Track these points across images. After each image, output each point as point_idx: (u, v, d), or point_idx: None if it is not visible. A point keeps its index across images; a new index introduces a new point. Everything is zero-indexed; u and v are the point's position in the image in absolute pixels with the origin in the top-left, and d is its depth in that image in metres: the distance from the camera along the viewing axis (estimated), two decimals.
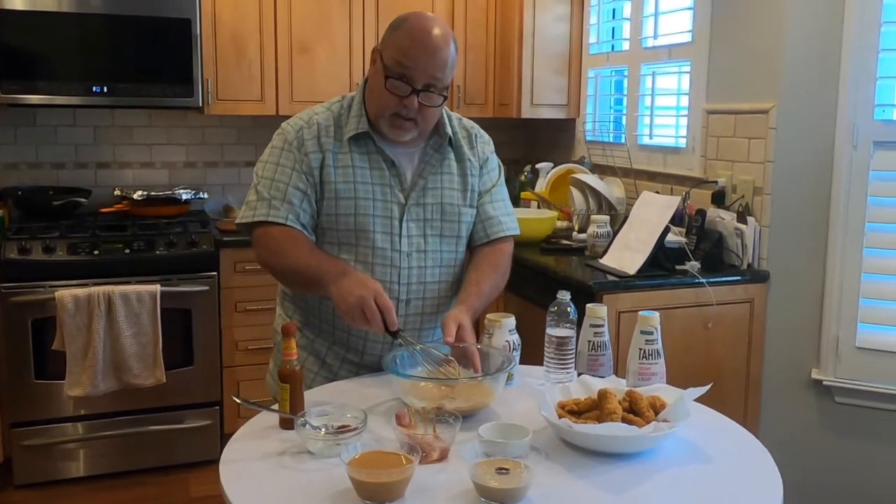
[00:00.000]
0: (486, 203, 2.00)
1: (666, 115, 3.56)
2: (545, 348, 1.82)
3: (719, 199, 3.08)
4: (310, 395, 1.75)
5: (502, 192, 2.06)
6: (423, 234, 1.91)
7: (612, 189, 3.58)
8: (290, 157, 1.87)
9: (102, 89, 3.54)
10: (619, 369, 1.88)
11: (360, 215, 1.86)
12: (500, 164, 2.08)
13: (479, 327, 1.85)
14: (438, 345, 1.79)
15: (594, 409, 1.56)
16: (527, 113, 4.03)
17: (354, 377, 1.91)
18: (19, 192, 3.79)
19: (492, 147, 2.06)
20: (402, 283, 1.89)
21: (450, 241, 1.95)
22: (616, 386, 1.64)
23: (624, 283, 2.79)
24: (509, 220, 2.04)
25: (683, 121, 3.38)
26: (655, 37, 3.53)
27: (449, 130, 1.94)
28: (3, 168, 3.89)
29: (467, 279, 1.94)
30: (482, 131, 2.05)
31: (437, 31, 1.79)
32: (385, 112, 1.82)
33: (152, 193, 3.87)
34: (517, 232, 2.06)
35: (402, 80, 1.77)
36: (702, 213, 3.02)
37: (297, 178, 1.85)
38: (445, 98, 1.84)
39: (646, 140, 3.63)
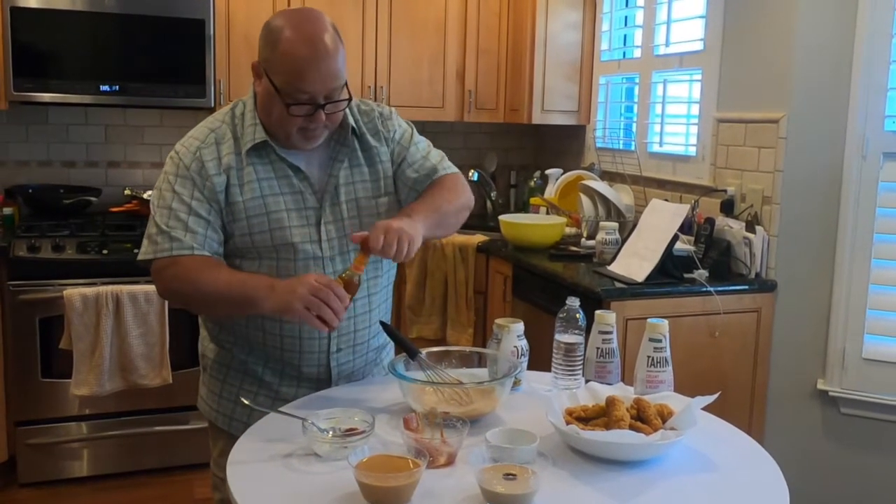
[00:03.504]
0: (406, 169, 1.90)
1: (676, 122, 3.56)
2: (553, 354, 1.82)
3: (728, 207, 3.07)
4: (315, 399, 1.76)
5: (420, 148, 1.94)
6: (344, 235, 1.82)
7: (622, 196, 3.58)
8: (187, 183, 1.73)
9: (114, 88, 3.55)
10: (625, 376, 1.88)
11: (276, 229, 1.76)
12: (408, 123, 1.97)
13: (486, 329, 1.84)
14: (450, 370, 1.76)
15: (602, 416, 1.56)
16: (537, 119, 4.03)
17: (297, 389, 1.85)
18: (30, 190, 3.81)
19: (393, 114, 1.94)
20: (341, 272, 1.78)
21: None
22: (624, 393, 1.64)
23: (632, 290, 2.79)
24: (440, 167, 1.93)
25: (694, 129, 3.38)
26: (667, 45, 3.54)
27: (351, 120, 1.83)
28: (14, 166, 3.91)
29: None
30: (381, 107, 1.93)
31: (320, 33, 1.68)
32: (291, 130, 1.73)
33: None
34: (455, 170, 1.97)
35: (303, 102, 1.68)
36: (710, 221, 3.02)
37: (199, 206, 1.72)
38: (349, 97, 1.75)
39: (656, 148, 3.63)
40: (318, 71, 1.67)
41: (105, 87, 3.54)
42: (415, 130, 1.98)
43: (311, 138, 1.76)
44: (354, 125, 1.85)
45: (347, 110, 1.82)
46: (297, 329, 1.80)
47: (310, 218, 1.79)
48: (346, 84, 1.74)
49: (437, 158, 1.95)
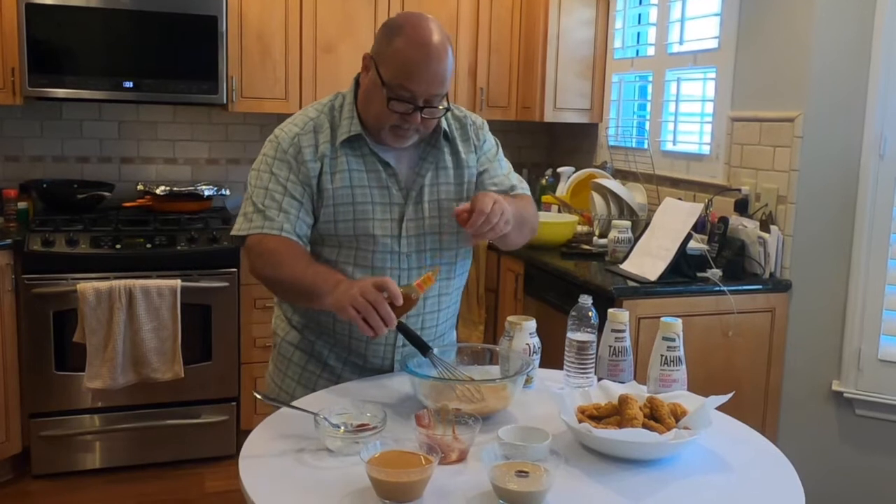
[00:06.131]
0: (487, 181, 1.94)
1: (690, 121, 3.54)
2: (565, 352, 1.81)
3: (742, 207, 3.06)
4: (327, 394, 1.76)
5: (503, 166, 2.00)
6: (423, 234, 1.87)
7: (634, 195, 3.57)
8: (284, 167, 1.81)
9: (128, 84, 3.57)
10: (637, 375, 1.87)
11: (360, 220, 1.82)
12: (496, 140, 2.03)
13: (498, 326, 1.84)
14: (462, 366, 1.76)
15: (614, 415, 1.55)
16: (549, 117, 4.02)
17: (360, 378, 1.88)
18: (44, 185, 3.82)
19: (485, 126, 2.00)
20: (401, 285, 1.80)
21: (449, 239, 1.90)
22: (637, 392, 1.63)
23: (644, 289, 2.78)
24: (520, 186, 1.98)
25: (707, 127, 3.36)
26: (681, 42, 3.52)
27: (444, 124, 1.88)
28: (29, 161, 3.93)
29: None
30: (473, 115, 1.99)
31: (435, 39, 1.73)
32: (385, 124, 1.78)
33: (175, 189, 3.89)
34: (528, 193, 2.02)
35: (404, 100, 1.73)
36: (724, 220, 3.00)
37: (294, 188, 1.79)
38: (447, 108, 1.81)
39: (669, 146, 3.61)
40: (428, 72, 1.72)
41: (119, 83, 3.56)
42: (500, 147, 2.03)
43: (400, 137, 1.80)
44: (447, 129, 1.89)
45: None
46: None
47: (393, 213, 1.84)
48: (446, 95, 1.79)
49: (517, 179, 2.01)
